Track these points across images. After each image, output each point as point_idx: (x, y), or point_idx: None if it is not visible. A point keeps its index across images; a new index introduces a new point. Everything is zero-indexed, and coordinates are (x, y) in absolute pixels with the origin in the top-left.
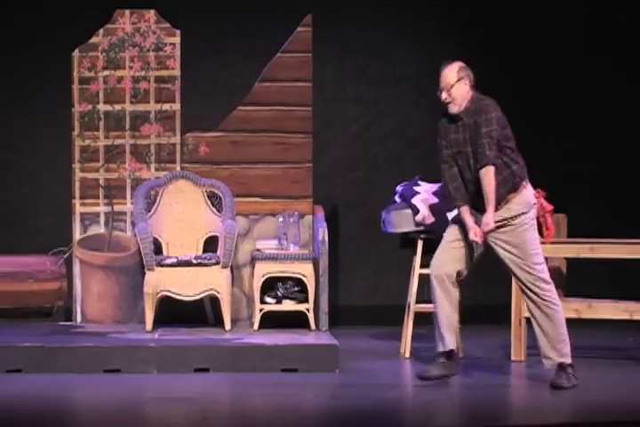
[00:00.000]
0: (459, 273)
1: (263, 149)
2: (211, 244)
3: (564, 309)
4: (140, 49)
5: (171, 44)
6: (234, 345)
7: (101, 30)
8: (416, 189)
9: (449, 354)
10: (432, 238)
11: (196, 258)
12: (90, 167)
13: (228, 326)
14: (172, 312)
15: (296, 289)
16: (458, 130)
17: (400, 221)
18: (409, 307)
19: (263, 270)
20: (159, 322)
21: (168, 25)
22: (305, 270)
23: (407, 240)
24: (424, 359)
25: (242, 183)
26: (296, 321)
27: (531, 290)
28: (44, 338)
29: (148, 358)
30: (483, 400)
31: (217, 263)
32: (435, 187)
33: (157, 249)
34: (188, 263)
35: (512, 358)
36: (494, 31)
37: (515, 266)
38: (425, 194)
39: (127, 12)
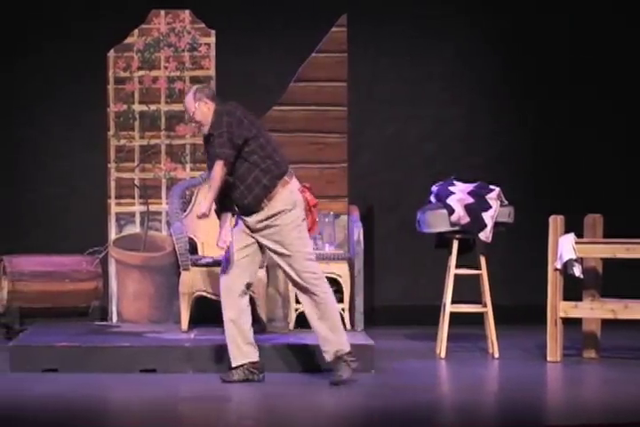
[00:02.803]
0: (248, 285)
1: (298, 148)
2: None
3: (600, 309)
4: (175, 49)
5: (205, 44)
6: (269, 345)
7: (136, 30)
8: (451, 189)
9: (254, 365)
10: (467, 238)
11: None
12: (125, 167)
13: (263, 326)
14: (208, 312)
15: (331, 289)
16: (209, 145)
17: (435, 221)
18: (444, 307)
19: None
20: (195, 322)
21: (203, 25)
22: (340, 270)
23: (442, 240)
24: (460, 359)
25: None
26: None
27: (304, 287)
28: (79, 338)
29: (184, 358)
30: (519, 401)
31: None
32: (470, 187)
33: (193, 249)
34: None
35: (548, 358)
36: (531, 27)
37: (285, 264)
38: (460, 194)
39: (162, 12)
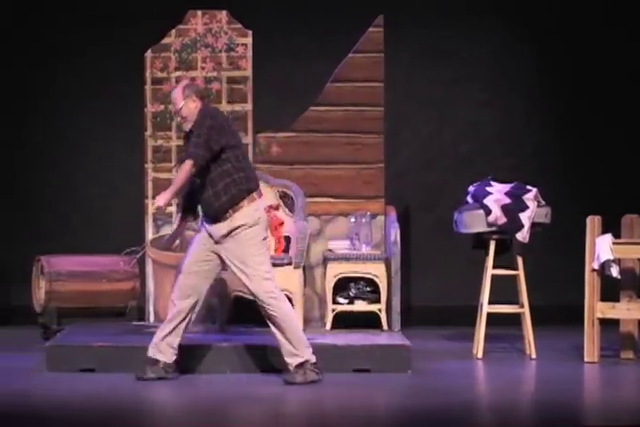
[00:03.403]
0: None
1: (335, 149)
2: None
3: (638, 310)
4: (212, 50)
5: (242, 44)
6: None
7: (174, 31)
8: (488, 189)
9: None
10: (504, 239)
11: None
12: (162, 167)
13: (300, 326)
14: (245, 312)
15: (368, 289)
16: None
17: (472, 222)
18: (481, 307)
19: (335, 271)
20: (232, 322)
21: (240, 26)
22: (377, 271)
23: (479, 241)
24: (497, 360)
25: (314, 184)
26: (368, 321)
27: (259, 298)
28: (117, 338)
29: (221, 359)
30: (556, 402)
31: (289, 264)
32: (507, 187)
33: None
34: None
35: (585, 359)
36: (566, 28)
37: (242, 276)
38: (497, 194)
39: (199, 12)
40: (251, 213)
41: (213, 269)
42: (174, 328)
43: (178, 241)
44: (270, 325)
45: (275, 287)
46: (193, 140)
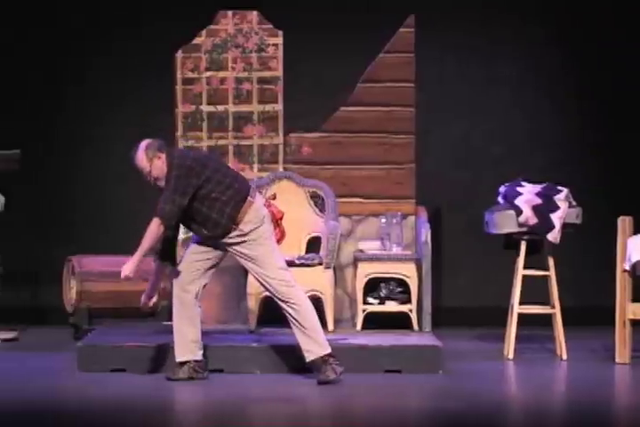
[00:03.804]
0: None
1: (365, 149)
2: (313, 244)
3: None
4: (243, 50)
5: (273, 44)
6: (336, 346)
7: (204, 31)
8: (519, 189)
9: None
10: (535, 239)
11: (298, 259)
12: None
13: (330, 326)
14: (275, 312)
15: (399, 290)
16: None
17: (503, 222)
18: (512, 308)
19: (366, 271)
20: (262, 322)
21: (270, 26)
22: (408, 271)
23: (510, 241)
24: (528, 361)
25: (344, 184)
26: (399, 322)
27: (276, 295)
28: (147, 338)
29: (251, 359)
30: (587, 403)
31: (320, 264)
32: (538, 188)
33: None
34: (290, 264)
35: (616, 360)
36: (598, 28)
37: (258, 275)
38: (528, 195)
39: (230, 13)
40: (254, 215)
41: (213, 265)
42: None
43: (155, 297)
44: (288, 317)
45: (291, 278)
46: (162, 196)
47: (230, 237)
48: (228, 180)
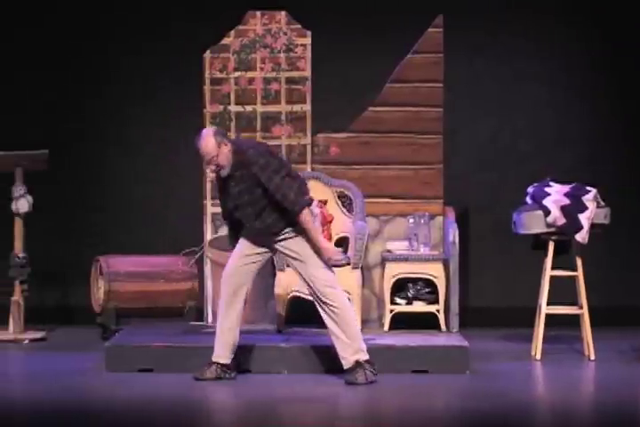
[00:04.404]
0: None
1: (393, 149)
2: (341, 245)
3: None
4: (271, 50)
5: (301, 45)
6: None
7: (232, 31)
8: (547, 190)
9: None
10: (563, 240)
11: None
12: None
13: (358, 323)
14: (303, 313)
15: (426, 290)
16: (229, 184)
17: (531, 223)
18: (540, 308)
19: (393, 271)
20: (290, 322)
21: (299, 26)
22: (435, 271)
23: (539, 242)
24: (556, 361)
25: (372, 184)
26: (426, 322)
27: (317, 295)
28: (175, 338)
29: (279, 359)
30: (615, 404)
31: (348, 264)
32: (566, 188)
33: None
34: None
35: None
36: (627, 28)
37: (303, 273)
38: (556, 195)
39: (258, 13)
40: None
41: (260, 266)
42: (229, 327)
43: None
44: (326, 320)
45: (334, 280)
46: (279, 193)
47: (283, 233)
48: (294, 173)
